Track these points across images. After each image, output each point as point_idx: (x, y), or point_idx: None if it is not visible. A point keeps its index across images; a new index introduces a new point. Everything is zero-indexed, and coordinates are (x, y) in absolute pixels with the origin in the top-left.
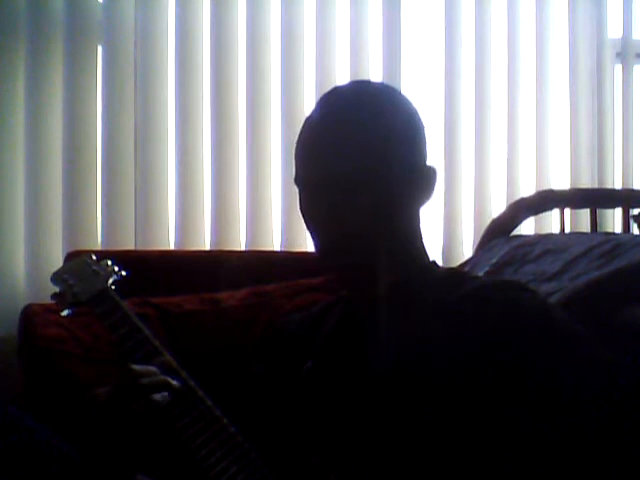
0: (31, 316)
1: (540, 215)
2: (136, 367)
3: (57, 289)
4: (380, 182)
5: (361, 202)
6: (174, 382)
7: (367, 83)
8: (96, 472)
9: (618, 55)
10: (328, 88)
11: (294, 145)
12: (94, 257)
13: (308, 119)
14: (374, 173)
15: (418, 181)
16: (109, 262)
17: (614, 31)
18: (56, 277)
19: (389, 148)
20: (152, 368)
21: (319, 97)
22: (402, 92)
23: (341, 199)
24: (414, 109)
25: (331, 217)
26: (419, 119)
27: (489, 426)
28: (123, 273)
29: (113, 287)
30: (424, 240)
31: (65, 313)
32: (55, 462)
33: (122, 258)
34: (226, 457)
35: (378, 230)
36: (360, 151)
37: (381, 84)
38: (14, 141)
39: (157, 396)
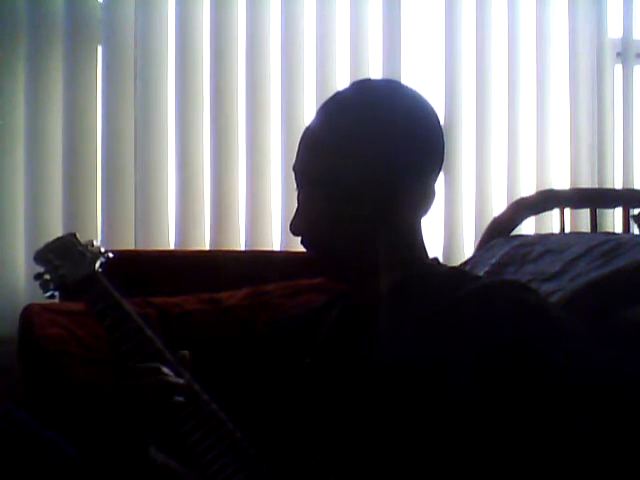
0: (31, 316)
1: (540, 215)
2: (137, 366)
3: (41, 269)
4: (325, 181)
5: (311, 196)
6: (179, 380)
7: (356, 86)
8: (98, 473)
9: (618, 55)
10: (328, 88)
11: (295, 144)
12: (78, 236)
13: None
14: (324, 173)
15: (369, 189)
16: (94, 242)
17: (614, 31)
18: (40, 256)
19: (335, 152)
20: (154, 365)
21: (319, 97)
22: (400, 98)
23: (299, 190)
24: (392, 118)
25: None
26: (389, 130)
27: (489, 425)
28: (110, 255)
29: (100, 270)
30: (424, 239)
31: (49, 294)
32: (60, 465)
33: (122, 258)
34: (225, 455)
35: (325, 225)
36: (314, 151)
37: (373, 88)
38: (14, 141)
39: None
